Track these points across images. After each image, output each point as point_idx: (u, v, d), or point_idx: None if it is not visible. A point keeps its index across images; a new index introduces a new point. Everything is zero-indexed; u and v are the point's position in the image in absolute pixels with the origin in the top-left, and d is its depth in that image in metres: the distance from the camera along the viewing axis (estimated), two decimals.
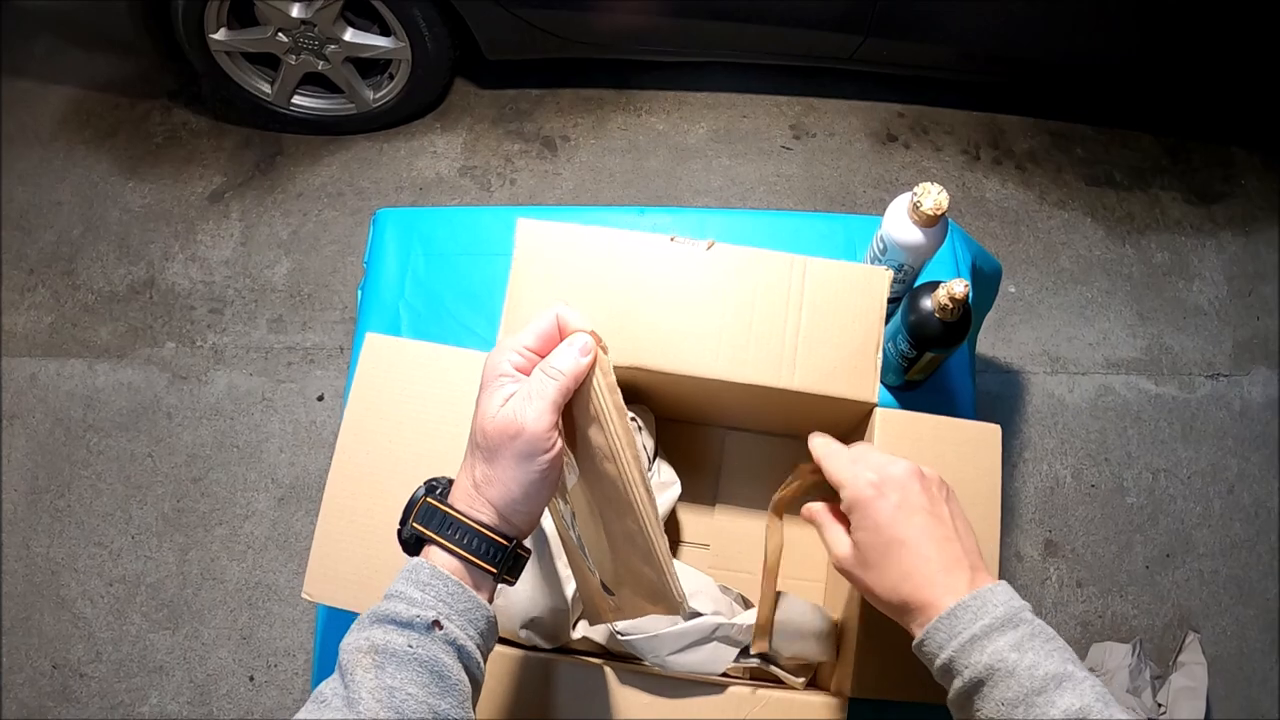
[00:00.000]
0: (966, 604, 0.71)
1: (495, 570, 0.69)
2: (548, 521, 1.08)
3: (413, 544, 0.72)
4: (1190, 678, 2.15)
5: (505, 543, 0.69)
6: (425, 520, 0.70)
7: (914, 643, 0.75)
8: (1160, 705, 2.10)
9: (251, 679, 2.24)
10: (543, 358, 0.70)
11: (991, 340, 2.52)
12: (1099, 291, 2.61)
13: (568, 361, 0.68)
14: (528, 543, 0.73)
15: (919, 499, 0.78)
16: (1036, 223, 2.68)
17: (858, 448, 0.84)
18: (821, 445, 0.86)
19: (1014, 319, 2.56)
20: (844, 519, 0.83)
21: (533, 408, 0.66)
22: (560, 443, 0.68)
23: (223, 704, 2.23)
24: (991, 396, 2.47)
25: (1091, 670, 2.02)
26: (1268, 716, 2.27)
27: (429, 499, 0.71)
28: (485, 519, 0.68)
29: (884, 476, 0.78)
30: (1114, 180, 2.77)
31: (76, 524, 2.35)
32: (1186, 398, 2.53)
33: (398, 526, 0.74)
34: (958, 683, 0.71)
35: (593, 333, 0.71)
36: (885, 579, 0.76)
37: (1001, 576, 2.04)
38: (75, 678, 2.25)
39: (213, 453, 2.40)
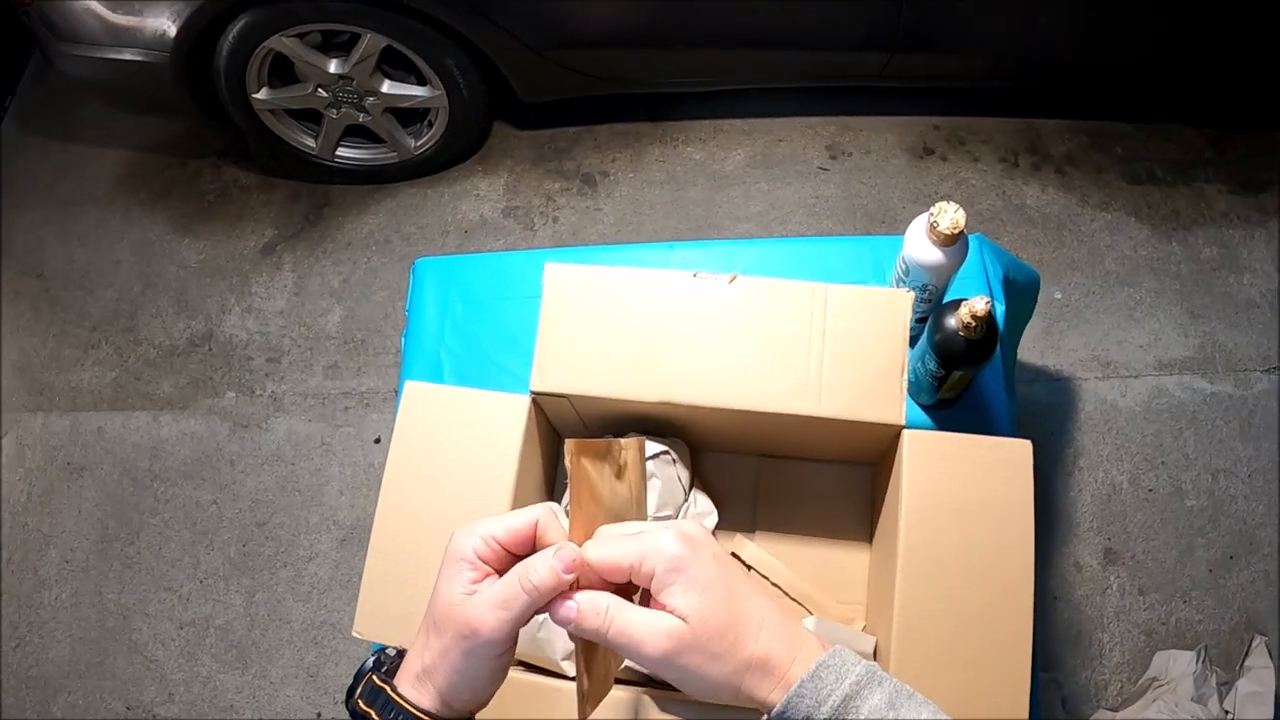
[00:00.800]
0: (827, 662, 0.64)
1: None
2: None
3: (356, 716, 0.69)
4: (1257, 682, 2.11)
5: None
6: (369, 699, 0.67)
7: (772, 713, 0.64)
8: (1227, 712, 2.06)
9: (319, 716, 2.29)
10: (509, 553, 0.65)
11: (1040, 348, 2.50)
12: (1147, 292, 2.58)
13: (547, 579, 0.62)
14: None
15: (717, 549, 0.67)
16: (1079, 226, 2.66)
17: (617, 526, 0.70)
18: (595, 549, 0.65)
19: (1061, 325, 2.53)
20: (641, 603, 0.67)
21: (494, 616, 0.61)
22: (514, 643, 0.65)
23: None
24: (1042, 405, 2.45)
25: (1155, 679, 1.97)
26: None
27: (375, 676, 0.69)
28: (428, 705, 0.65)
29: (679, 532, 0.65)
30: (1156, 176, 2.74)
31: (146, 570, 2.43)
32: (1243, 394, 2.48)
33: (345, 698, 0.72)
34: None
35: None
36: (731, 646, 0.63)
37: (1060, 588, 2.03)
38: None
39: (275, 497, 2.46)
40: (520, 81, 2.53)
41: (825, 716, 0.62)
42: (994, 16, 2.33)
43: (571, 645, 1.08)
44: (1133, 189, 2.71)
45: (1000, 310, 1.46)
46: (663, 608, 0.63)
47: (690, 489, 1.21)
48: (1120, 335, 2.53)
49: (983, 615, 1.00)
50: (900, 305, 1.11)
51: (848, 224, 2.67)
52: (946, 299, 1.27)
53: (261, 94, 2.45)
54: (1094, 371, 2.49)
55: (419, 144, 2.67)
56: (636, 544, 0.64)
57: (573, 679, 1.09)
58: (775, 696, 0.63)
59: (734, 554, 1.30)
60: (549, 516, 0.66)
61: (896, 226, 2.59)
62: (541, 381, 1.12)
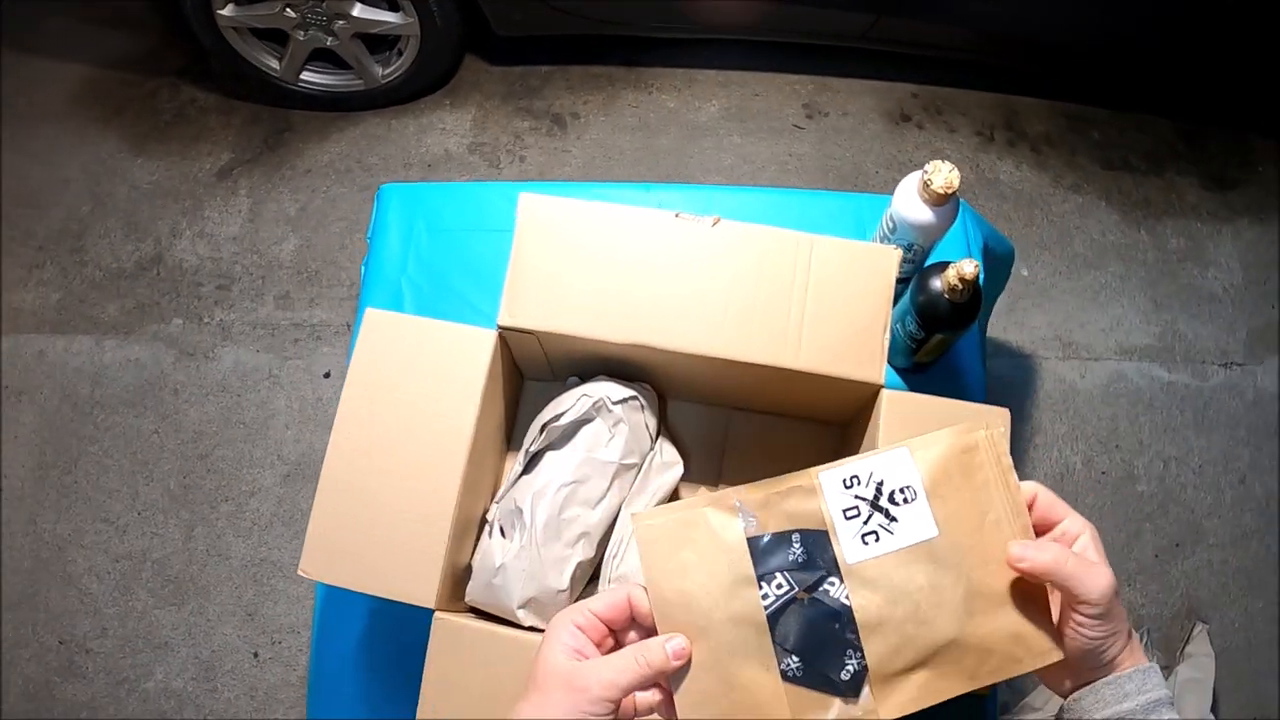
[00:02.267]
0: (1149, 669, 0.74)
1: None
2: (543, 499, 1.07)
3: None
4: (1197, 669, 2.14)
5: None
6: None
7: (1103, 680, 0.74)
8: None
9: (256, 655, 2.25)
10: (608, 627, 0.74)
11: (1003, 324, 2.50)
12: (1113, 276, 2.59)
13: (658, 658, 0.70)
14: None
15: None
16: (1051, 206, 2.65)
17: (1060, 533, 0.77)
18: (1051, 556, 0.71)
19: (1026, 303, 2.53)
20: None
21: (607, 675, 0.69)
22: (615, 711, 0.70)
23: (227, 680, 2.24)
24: (1003, 381, 2.45)
25: None
26: (1274, 709, 2.26)
27: None
28: None
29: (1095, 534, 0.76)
30: (1130, 164, 2.74)
31: (83, 500, 2.36)
32: (1199, 385, 2.50)
33: None
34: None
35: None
36: (1120, 611, 0.73)
37: None
38: (81, 653, 2.26)
39: (219, 429, 2.40)
40: (495, 12, 2.46)
41: (1145, 700, 0.72)
42: None
43: (527, 593, 1.05)
44: (1106, 174, 2.72)
45: (982, 278, 1.44)
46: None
47: (657, 437, 1.17)
48: (1083, 317, 2.53)
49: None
50: (886, 261, 1.07)
51: (819, 184, 2.64)
52: (929, 261, 1.24)
53: (227, 10, 2.34)
54: (1055, 351, 2.49)
55: (387, 72, 2.59)
56: (1093, 571, 0.71)
57: (527, 628, 1.05)
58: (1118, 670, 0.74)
59: None
60: (639, 594, 0.73)
61: (868, 190, 2.58)
62: (510, 316, 1.07)
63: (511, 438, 1.29)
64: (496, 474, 1.23)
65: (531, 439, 1.13)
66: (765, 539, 0.74)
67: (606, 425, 1.11)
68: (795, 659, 0.71)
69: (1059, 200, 2.66)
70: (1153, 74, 2.71)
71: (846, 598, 0.72)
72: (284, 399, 2.42)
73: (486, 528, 1.14)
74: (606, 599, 0.73)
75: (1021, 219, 2.63)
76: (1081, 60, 2.64)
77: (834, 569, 0.73)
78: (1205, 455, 2.45)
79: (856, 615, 0.72)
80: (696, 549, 0.73)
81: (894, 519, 0.74)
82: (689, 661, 0.71)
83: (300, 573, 1.02)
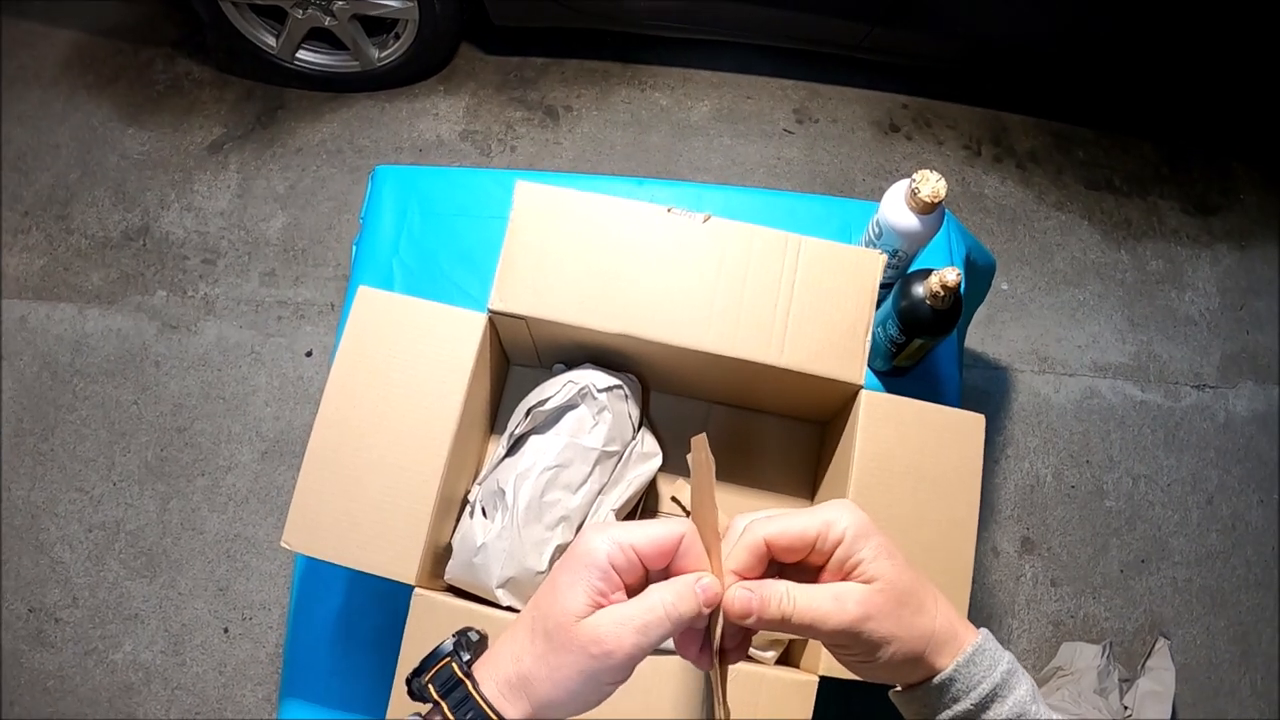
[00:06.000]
0: (983, 646, 0.63)
1: None
2: (526, 481, 1.08)
3: (418, 697, 0.63)
4: (1158, 682, 2.17)
5: None
6: (444, 688, 0.61)
7: (938, 677, 0.63)
8: (1126, 708, 2.12)
9: (226, 631, 2.25)
10: (648, 568, 0.60)
11: (981, 336, 2.53)
12: (1091, 295, 2.62)
13: (689, 607, 0.58)
14: None
15: None
16: (1033, 222, 2.68)
17: (771, 510, 0.65)
18: (770, 526, 0.62)
19: (1005, 316, 2.56)
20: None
21: (632, 640, 0.57)
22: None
23: (196, 654, 2.24)
24: (978, 391, 2.48)
25: (1060, 669, 2.03)
26: None
27: (454, 664, 0.62)
28: (515, 716, 0.58)
29: (852, 501, 0.66)
30: (1113, 185, 2.77)
31: (59, 468, 2.35)
32: (1171, 406, 2.54)
33: (409, 674, 0.64)
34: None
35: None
36: (915, 613, 0.61)
37: (977, 571, 2.07)
38: (50, 622, 2.25)
39: (199, 403, 2.40)
40: (493, 1, 2.47)
41: (972, 704, 0.62)
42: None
43: (507, 573, 1.06)
44: (1089, 194, 2.75)
45: (963, 287, 1.47)
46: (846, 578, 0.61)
47: (639, 427, 1.19)
48: (1060, 333, 2.57)
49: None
50: (871, 265, 1.10)
51: (807, 188, 2.66)
52: (912, 268, 1.27)
53: None
54: (1031, 365, 2.52)
55: (383, 55, 2.59)
56: (818, 514, 0.61)
57: (505, 608, 1.07)
58: (943, 664, 0.63)
59: (674, 498, 1.28)
60: (693, 534, 0.61)
61: (854, 197, 2.59)
62: (501, 301, 1.09)
63: (495, 421, 1.30)
64: (480, 455, 1.25)
65: (516, 422, 1.15)
66: None
67: (591, 412, 1.13)
68: None
69: (1042, 217, 2.69)
70: (1140, 95, 2.75)
71: None
72: (265, 376, 2.42)
73: (468, 508, 1.15)
74: (654, 533, 0.59)
75: (1004, 233, 2.66)
76: (1071, 73, 2.67)
77: None
78: (1174, 474, 2.48)
79: None
80: None
81: None
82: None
83: (283, 544, 1.03)
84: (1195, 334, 2.63)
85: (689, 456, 0.62)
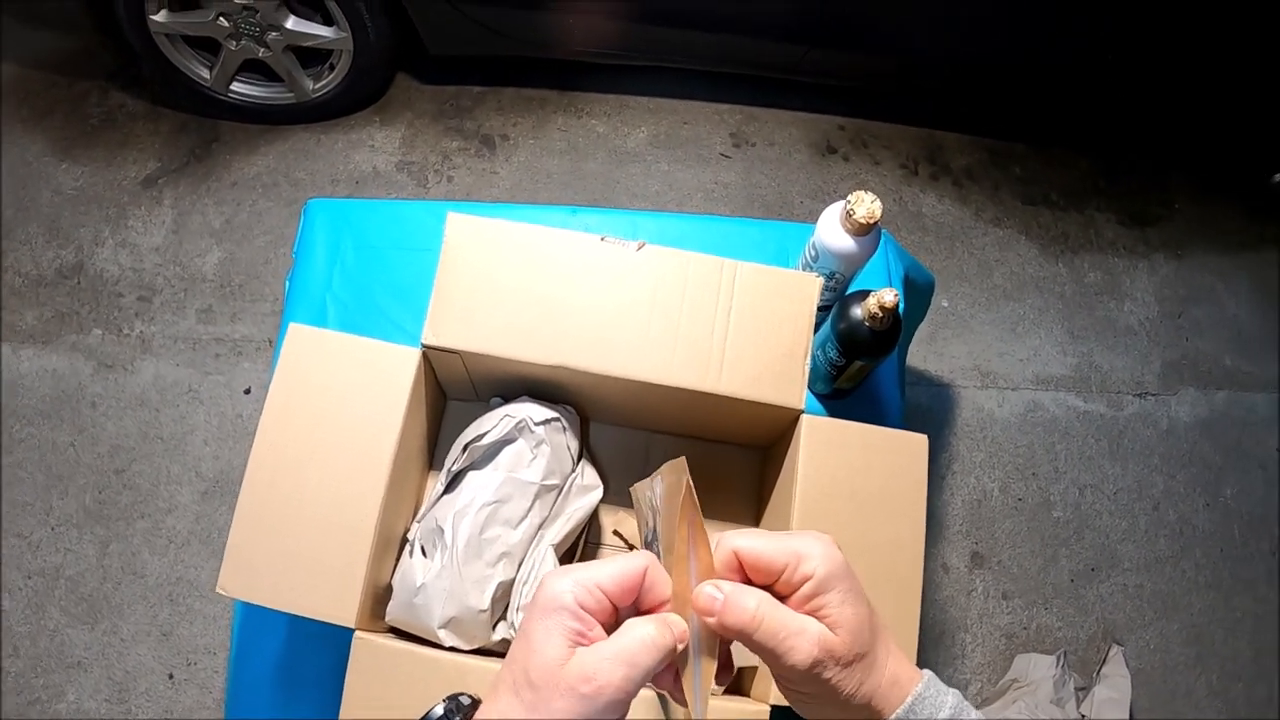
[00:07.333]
0: (924, 694, 0.62)
1: None
2: (465, 518, 1.07)
3: None
4: (1114, 689, 2.19)
5: None
6: None
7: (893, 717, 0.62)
8: (1084, 715, 2.13)
9: (171, 677, 2.20)
10: (617, 606, 0.58)
11: (923, 353, 2.55)
12: (1031, 309, 2.65)
13: (667, 639, 0.56)
14: None
15: None
16: (972, 239, 2.72)
17: (753, 529, 0.66)
18: (745, 542, 0.60)
19: (946, 333, 2.59)
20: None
21: (621, 674, 0.54)
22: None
23: (141, 702, 2.19)
24: (922, 409, 2.50)
25: (1015, 681, 2.04)
26: None
27: None
28: None
29: (831, 539, 0.62)
30: (1050, 200, 2.81)
31: None
32: (1114, 415, 2.57)
33: None
34: None
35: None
36: (869, 665, 0.61)
37: (928, 588, 2.07)
38: None
39: (137, 444, 2.35)
40: (429, 30, 2.46)
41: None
42: (911, 14, 2.35)
43: (448, 613, 1.04)
44: (1026, 209, 2.79)
45: (901, 307, 1.47)
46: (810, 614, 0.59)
47: (579, 459, 1.18)
48: (1002, 348, 2.59)
49: (873, 605, 1.00)
50: (808, 289, 1.10)
51: (745, 213, 2.68)
52: (850, 290, 1.27)
53: (160, 16, 2.31)
54: (974, 380, 2.54)
55: (318, 86, 2.57)
56: (792, 543, 0.59)
57: (448, 648, 1.05)
58: (897, 706, 0.61)
59: (616, 531, 1.27)
60: (655, 565, 0.59)
61: (793, 220, 2.61)
62: (435, 335, 1.07)
63: (434, 457, 1.29)
64: (418, 493, 1.23)
65: (454, 458, 1.13)
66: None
67: (529, 446, 1.12)
68: None
69: (980, 233, 2.73)
70: (1075, 110, 2.79)
71: None
72: (203, 414, 2.38)
73: (407, 547, 1.13)
74: (617, 570, 0.58)
75: (943, 251, 2.69)
76: (1004, 93, 2.71)
77: None
78: (1120, 483, 2.52)
79: None
80: None
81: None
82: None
83: (219, 590, 1.00)
84: (1135, 343, 2.67)
85: (653, 483, 0.62)
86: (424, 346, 1.08)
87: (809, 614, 0.59)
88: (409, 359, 1.08)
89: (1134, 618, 2.41)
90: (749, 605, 0.57)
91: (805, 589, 0.59)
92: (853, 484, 1.05)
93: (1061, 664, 2.22)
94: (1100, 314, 2.69)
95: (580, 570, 0.58)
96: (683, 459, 0.61)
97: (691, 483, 0.59)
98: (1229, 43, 2.33)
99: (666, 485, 0.61)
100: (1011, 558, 2.41)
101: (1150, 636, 2.40)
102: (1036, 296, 2.67)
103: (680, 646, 0.57)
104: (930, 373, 2.54)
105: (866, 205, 1.14)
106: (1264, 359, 2.72)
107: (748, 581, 0.61)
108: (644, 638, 0.55)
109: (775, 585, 0.60)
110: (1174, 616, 2.42)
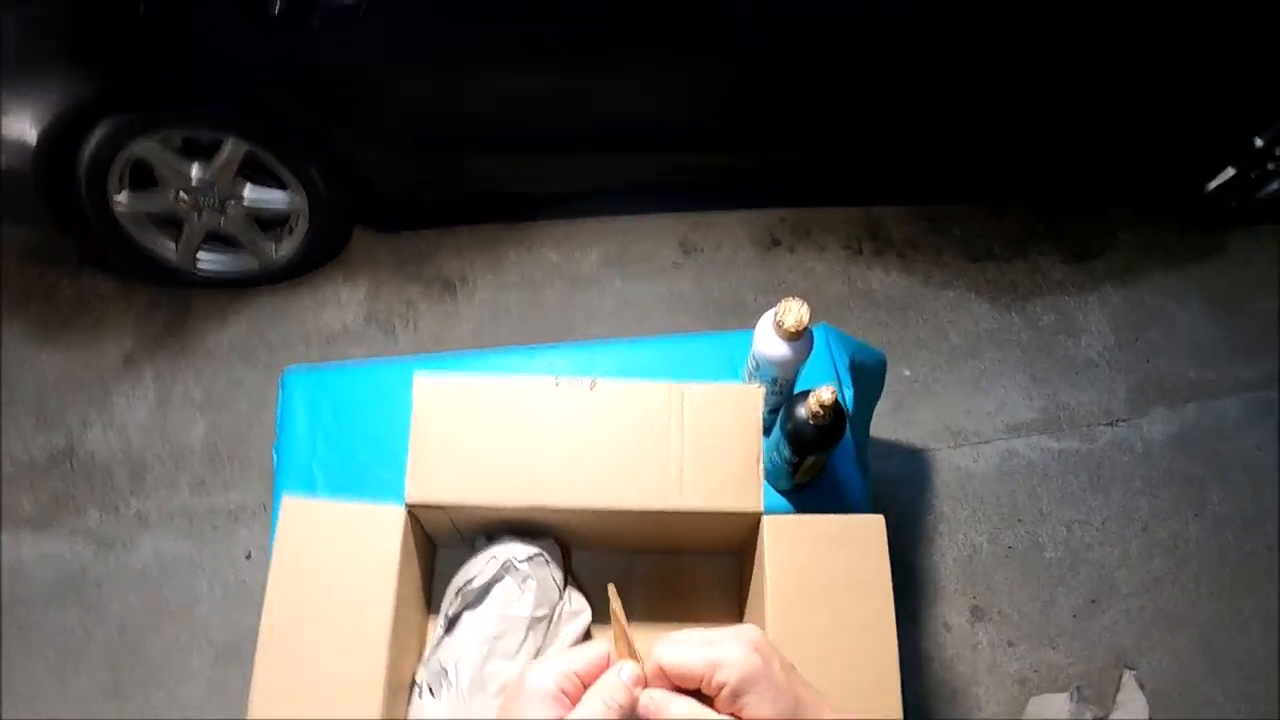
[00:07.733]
0: None
1: None
2: (466, 657, 1.13)
3: None
4: (1130, 713, 2.21)
5: None
6: None
7: None
8: None
9: None
10: (586, 686, 0.66)
11: (892, 424, 2.60)
12: (991, 361, 2.72)
13: (624, 696, 0.64)
14: None
15: (784, 657, 0.68)
16: (923, 305, 2.79)
17: (688, 631, 0.70)
18: (668, 652, 0.66)
19: (911, 400, 2.65)
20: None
21: None
22: None
23: None
24: (900, 477, 2.55)
25: None
26: None
27: None
28: None
29: (751, 642, 0.65)
30: (993, 253, 2.90)
31: (12, 696, 2.32)
32: (1089, 448, 2.63)
33: None
34: None
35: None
36: None
37: (932, 649, 2.13)
38: None
39: (144, 618, 2.39)
40: (383, 181, 2.57)
41: None
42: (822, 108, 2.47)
43: None
44: (971, 266, 2.87)
45: (849, 394, 1.54)
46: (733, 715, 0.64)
47: (565, 587, 1.24)
48: (968, 405, 2.66)
49: (853, 688, 1.07)
50: (752, 399, 1.18)
51: (702, 318, 2.75)
52: (796, 389, 1.34)
53: (122, 196, 2.41)
54: (945, 441, 2.61)
55: (280, 250, 2.66)
56: (709, 652, 0.64)
57: None
58: None
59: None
60: (611, 648, 0.68)
61: (749, 318, 2.63)
62: (416, 493, 1.15)
63: (431, 600, 1.35)
64: (422, 635, 1.29)
65: (449, 603, 1.21)
66: None
67: (516, 582, 1.19)
68: None
69: (930, 298, 2.81)
70: (1004, 163, 2.87)
71: None
72: (206, 583, 2.42)
73: (415, 689, 1.20)
74: (589, 656, 0.66)
75: (897, 323, 2.77)
76: (932, 161, 2.83)
77: None
78: (1105, 512, 2.56)
79: None
80: None
81: None
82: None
83: None
84: (1098, 375, 2.74)
85: (613, 605, 0.70)
86: (408, 505, 1.16)
87: (733, 714, 0.64)
88: (395, 517, 1.16)
89: (1142, 640, 2.42)
90: (677, 713, 0.64)
91: (723, 695, 0.64)
92: (819, 573, 1.12)
93: (1076, 699, 2.24)
94: (1059, 353, 2.76)
95: (557, 660, 0.66)
96: (612, 586, 0.71)
97: (618, 609, 0.69)
98: (1143, 64, 2.43)
99: (611, 609, 0.70)
100: (1011, 605, 2.44)
101: (1161, 656, 2.40)
102: (994, 349, 2.75)
103: (639, 691, 0.65)
104: (902, 441, 2.60)
105: (795, 314, 1.20)
106: (1225, 364, 2.78)
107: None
108: (603, 700, 0.63)
109: (702, 688, 0.65)
110: (1182, 631, 2.43)
